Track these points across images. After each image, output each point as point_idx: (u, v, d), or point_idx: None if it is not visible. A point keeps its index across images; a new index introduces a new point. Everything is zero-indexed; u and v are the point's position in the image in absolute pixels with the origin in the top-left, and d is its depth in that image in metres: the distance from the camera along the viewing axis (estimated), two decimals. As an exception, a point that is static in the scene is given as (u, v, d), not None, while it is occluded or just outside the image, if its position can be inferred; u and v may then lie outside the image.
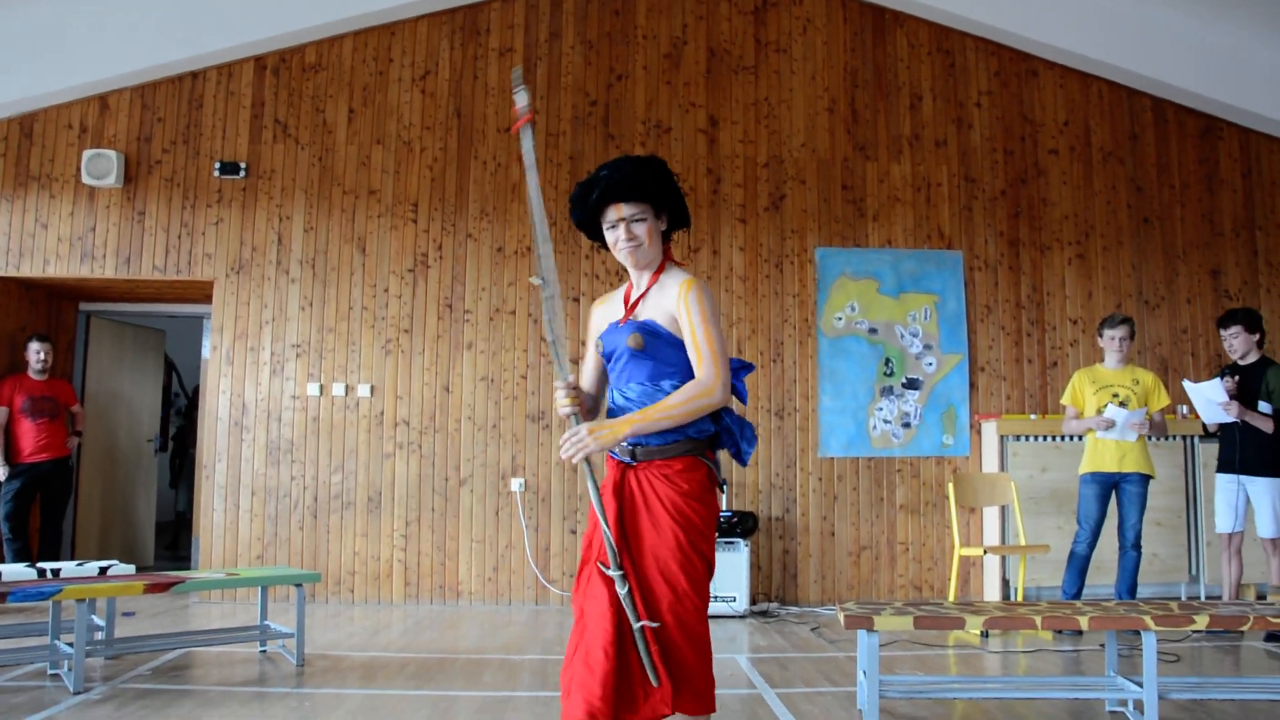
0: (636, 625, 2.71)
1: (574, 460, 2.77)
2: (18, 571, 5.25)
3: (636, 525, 2.88)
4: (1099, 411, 6.12)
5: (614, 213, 2.98)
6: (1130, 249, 8.06)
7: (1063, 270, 7.98)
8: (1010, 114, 8.13)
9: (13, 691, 4.56)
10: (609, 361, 3.05)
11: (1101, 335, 6.29)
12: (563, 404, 2.92)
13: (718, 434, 2.97)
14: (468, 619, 6.82)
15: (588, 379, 3.19)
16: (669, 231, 3.08)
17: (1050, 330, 7.92)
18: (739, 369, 3.02)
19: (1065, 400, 6.34)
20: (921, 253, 7.93)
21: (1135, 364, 6.60)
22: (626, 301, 3.08)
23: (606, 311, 3.16)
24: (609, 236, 3.03)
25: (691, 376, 2.89)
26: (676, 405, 2.79)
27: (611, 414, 3.00)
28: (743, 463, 2.99)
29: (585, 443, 2.77)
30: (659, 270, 3.03)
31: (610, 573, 2.76)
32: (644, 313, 2.96)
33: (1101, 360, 6.41)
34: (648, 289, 2.99)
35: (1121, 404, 6.09)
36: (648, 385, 2.93)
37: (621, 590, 2.74)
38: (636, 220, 2.97)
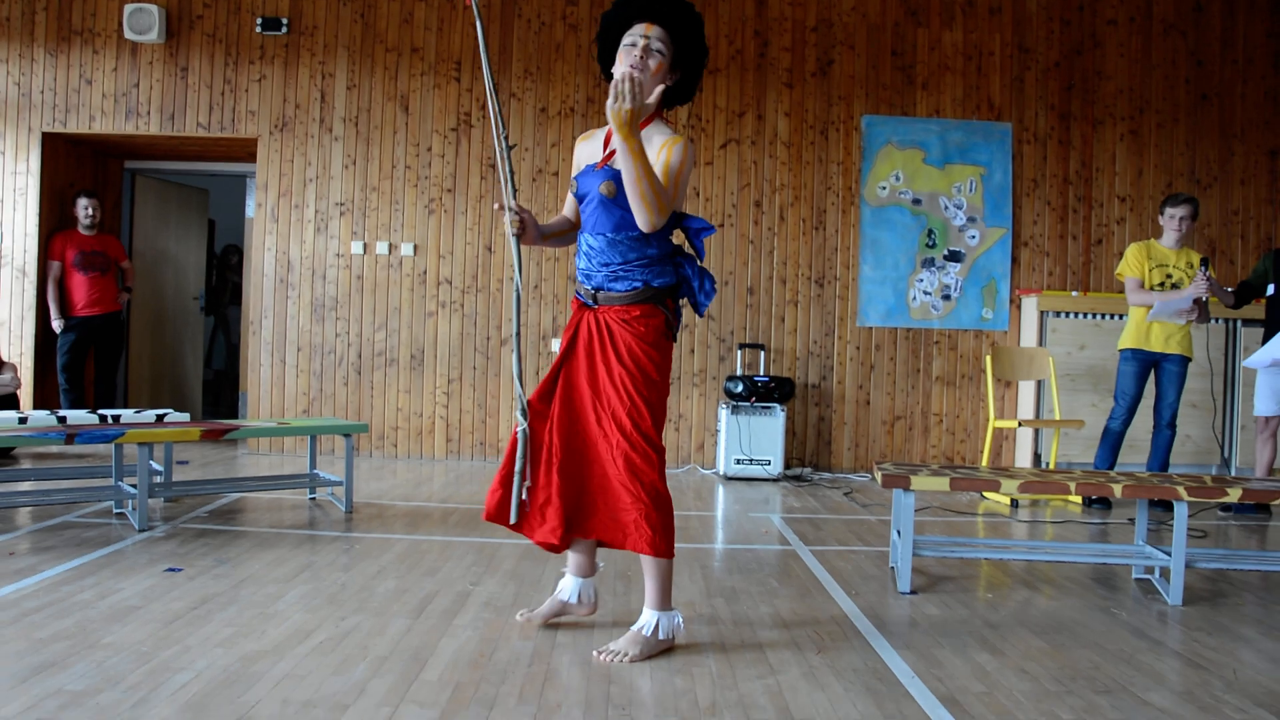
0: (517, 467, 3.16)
1: (617, 104, 2.77)
2: (80, 416, 5.44)
3: (592, 367, 3.11)
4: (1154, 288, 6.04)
5: (640, 29, 2.99)
6: (1186, 126, 7.89)
7: (1114, 146, 7.84)
8: (1069, -20, 7.88)
9: (83, 527, 4.78)
10: (581, 203, 3.14)
11: (1163, 213, 6.19)
12: (509, 226, 3.11)
13: (679, 284, 3.11)
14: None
15: (567, 210, 3.34)
16: (668, 99, 3.10)
17: (1097, 207, 7.83)
18: (700, 229, 3.10)
19: (1125, 272, 6.19)
20: (969, 123, 7.80)
21: (1190, 246, 6.46)
22: (606, 145, 3.11)
23: (588, 150, 3.21)
24: (622, 55, 3.00)
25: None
26: (650, 180, 2.84)
27: (579, 259, 3.18)
28: (698, 313, 3.17)
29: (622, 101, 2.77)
30: (646, 122, 3.04)
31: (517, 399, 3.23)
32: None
33: (1157, 238, 6.32)
34: None
35: (1175, 285, 6.04)
36: (609, 235, 3.04)
37: (522, 424, 3.17)
38: (656, 50, 2.98)
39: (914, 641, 3.33)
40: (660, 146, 2.96)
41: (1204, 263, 5.86)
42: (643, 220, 2.90)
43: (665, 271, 3.07)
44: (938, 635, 3.41)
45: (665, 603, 3.11)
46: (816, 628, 3.46)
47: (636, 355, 3.04)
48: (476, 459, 7.63)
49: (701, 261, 3.18)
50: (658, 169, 2.93)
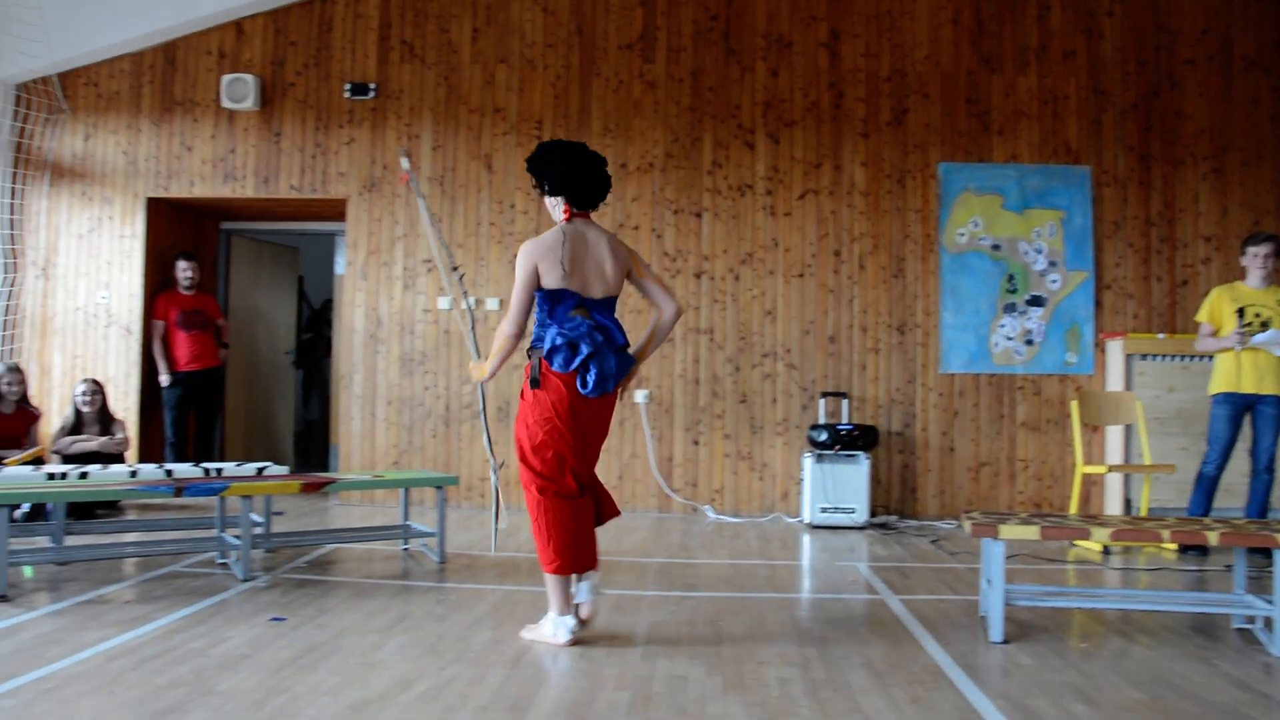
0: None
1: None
2: (186, 470, 5.67)
3: None
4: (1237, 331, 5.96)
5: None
6: (1271, 163, 7.77)
7: (1196, 186, 7.76)
8: (1144, 23, 7.85)
9: (190, 577, 4.97)
10: None
11: (1245, 252, 6.12)
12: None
13: (554, 348, 3.81)
14: (593, 525, 7.09)
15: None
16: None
17: (1181, 248, 7.74)
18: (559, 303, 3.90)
19: (1201, 317, 6.16)
20: (1047, 168, 7.79)
21: (1278, 284, 6.35)
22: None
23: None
24: (554, 208, 4.02)
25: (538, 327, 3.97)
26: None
27: None
28: (581, 389, 3.82)
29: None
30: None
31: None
32: None
33: (1242, 278, 6.24)
34: None
35: (1264, 324, 5.95)
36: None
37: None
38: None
39: (1008, 691, 3.33)
40: None
41: None
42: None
43: (539, 334, 3.91)
44: (1032, 685, 3.40)
45: (554, 608, 3.85)
46: (909, 677, 3.47)
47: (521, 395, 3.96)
48: (561, 508, 7.72)
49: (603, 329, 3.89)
50: None
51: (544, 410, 3.82)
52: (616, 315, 3.99)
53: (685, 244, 7.80)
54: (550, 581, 3.83)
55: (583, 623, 3.89)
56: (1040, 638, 4.09)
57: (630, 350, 3.99)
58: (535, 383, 3.84)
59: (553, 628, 3.83)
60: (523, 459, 3.86)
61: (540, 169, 3.96)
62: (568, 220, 3.95)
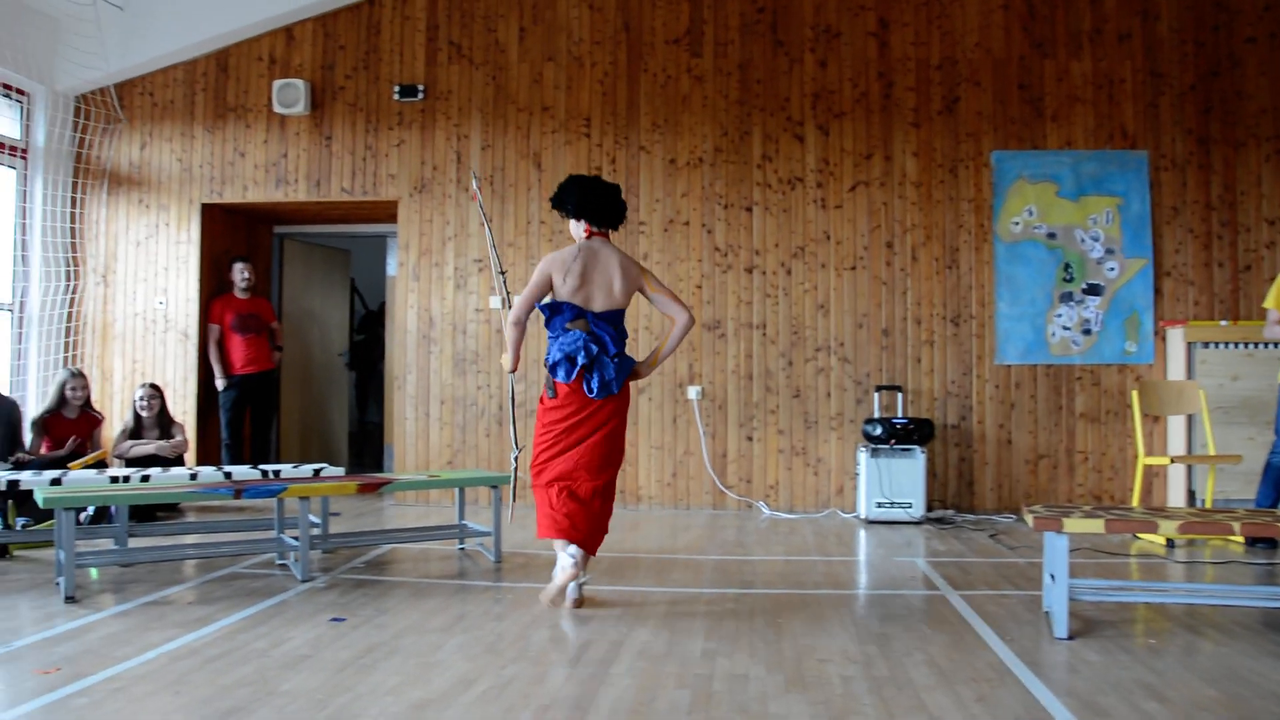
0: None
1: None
2: (244, 472, 5.73)
3: None
4: None
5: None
6: (1336, 143, 7.58)
7: (1259, 168, 7.57)
8: (1202, 2, 7.66)
9: (249, 578, 5.03)
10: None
11: None
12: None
13: (555, 364, 4.42)
14: (648, 522, 7.10)
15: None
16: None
17: (1244, 232, 7.56)
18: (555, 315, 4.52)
19: (1270, 303, 5.98)
20: (1103, 153, 7.65)
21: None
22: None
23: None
24: (576, 229, 4.62)
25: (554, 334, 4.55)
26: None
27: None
28: (588, 394, 4.42)
29: None
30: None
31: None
32: None
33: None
34: None
35: None
36: None
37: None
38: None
39: (1076, 688, 3.26)
40: None
41: None
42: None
43: (550, 349, 4.48)
44: (1100, 682, 3.33)
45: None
46: (973, 674, 3.42)
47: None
48: (617, 506, 7.70)
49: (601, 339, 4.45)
50: None
51: (555, 415, 4.47)
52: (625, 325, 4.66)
53: (736, 239, 7.75)
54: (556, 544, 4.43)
55: (578, 605, 4.43)
56: (1106, 633, 4.01)
57: (649, 353, 4.73)
58: (553, 392, 4.48)
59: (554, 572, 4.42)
60: (536, 455, 4.52)
61: (563, 199, 4.61)
62: (589, 238, 4.55)
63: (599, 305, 4.47)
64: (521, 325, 4.52)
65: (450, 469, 7.83)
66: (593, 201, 4.54)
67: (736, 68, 7.82)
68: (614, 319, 4.52)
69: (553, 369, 4.42)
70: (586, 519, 4.42)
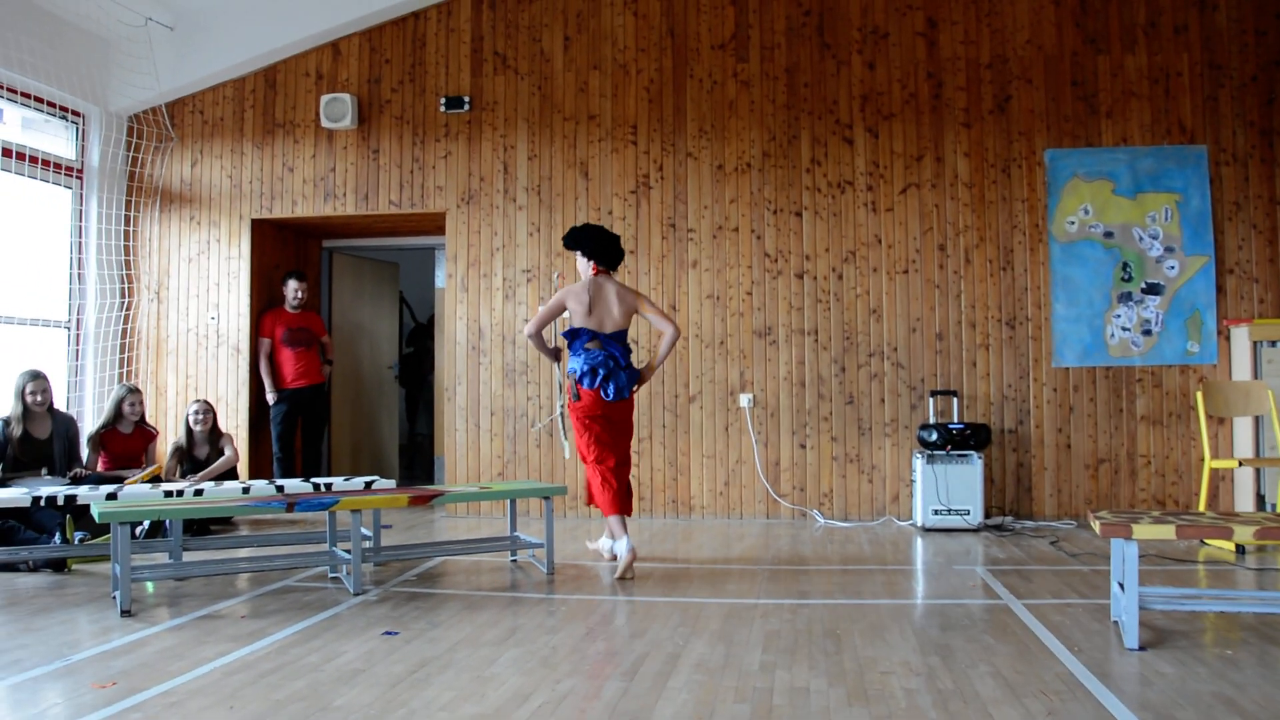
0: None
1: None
2: (296, 485, 5.74)
3: None
4: None
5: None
6: (1405, 133, 7.34)
7: (1324, 161, 7.36)
8: (1263, -8, 7.49)
9: (302, 591, 5.02)
10: None
11: None
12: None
13: (583, 374, 5.50)
14: (701, 532, 7.02)
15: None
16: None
17: (1310, 226, 7.35)
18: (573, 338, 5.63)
19: None
20: (1160, 149, 7.47)
21: None
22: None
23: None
24: (584, 266, 5.70)
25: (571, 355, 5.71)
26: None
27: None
28: (605, 398, 5.51)
29: None
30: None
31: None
32: None
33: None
34: None
35: None
36: None
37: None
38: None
39: (1150, 701, 3.14)
40: None
41: None
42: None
43: (571, 361, 5.60)
44: (1176, 695, 3.21)
45: (612, 534, 5.51)
46: (1042, 687, 3.31)
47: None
48: (669, 516, 7.67)
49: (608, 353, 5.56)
50: None
51: (583, 414, 5.54)
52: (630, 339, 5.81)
53: (785, 244, 7.67)
54: (611, 521, 5.46)
55: (625, 574, 5.30)
56: (1179, 644, 3.87)
57: (643, 364, 6.23)
58: (576, 397, 5.54)
59: (609, 545, 5.69)
60: (579, 448, 5.68)
61: (579, 242, 5.71)
62: (595, 275, 5.63)
63: (609, 328, 5.57)
64: (538, 336, 5.65)
65: (501, 480, 7.81)
66: (601, 247, 5.66)
67: (783, 71, 7.74)
68: (620, 338, 5.62)
69: (580, 379, 5.48)
70: (626, 493, 5.61)
